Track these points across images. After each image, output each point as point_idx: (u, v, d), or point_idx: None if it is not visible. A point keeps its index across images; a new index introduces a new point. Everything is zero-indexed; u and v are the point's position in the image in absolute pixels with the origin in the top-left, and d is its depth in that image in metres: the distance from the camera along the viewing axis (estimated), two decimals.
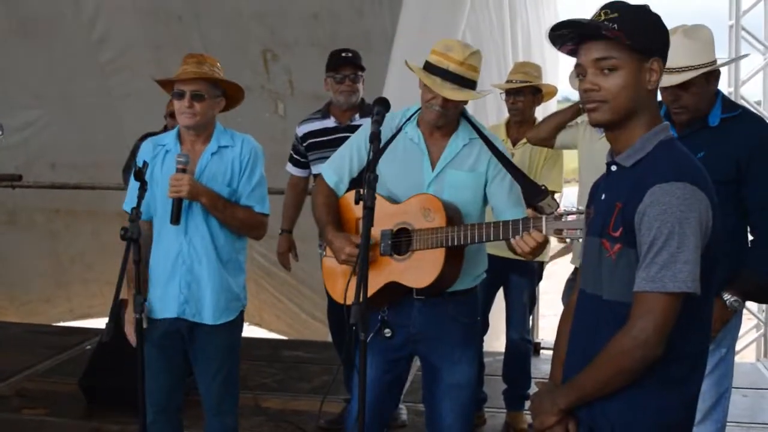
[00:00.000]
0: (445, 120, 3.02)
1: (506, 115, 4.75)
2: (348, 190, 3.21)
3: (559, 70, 7.80)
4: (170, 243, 3.31)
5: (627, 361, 1.98)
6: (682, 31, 3.03)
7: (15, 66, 7.27)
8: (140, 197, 3.08)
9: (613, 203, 2.08)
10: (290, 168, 4.65)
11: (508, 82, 4.61)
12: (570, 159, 4.66)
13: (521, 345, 4.70)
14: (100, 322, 7.22)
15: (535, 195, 2.85)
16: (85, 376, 5.05)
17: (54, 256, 8.43)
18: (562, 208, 2.66)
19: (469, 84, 2.97)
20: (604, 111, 2.06)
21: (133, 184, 3.36)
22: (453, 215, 2.94)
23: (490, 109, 5.69)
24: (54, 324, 8.16)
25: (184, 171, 3.18)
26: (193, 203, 3.27)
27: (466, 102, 3.05)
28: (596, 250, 2.13)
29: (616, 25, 2.00)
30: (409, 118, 3.14)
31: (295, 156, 4.60)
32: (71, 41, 7.02)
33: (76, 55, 7.10)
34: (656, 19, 2.08)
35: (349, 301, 2.50)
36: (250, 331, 8.44)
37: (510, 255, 4.44)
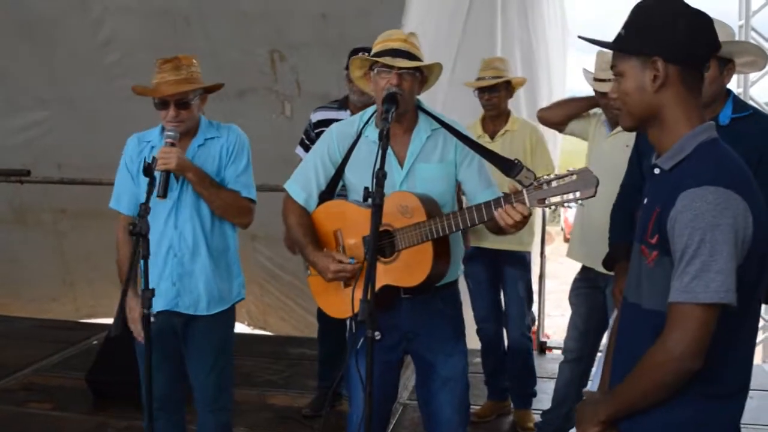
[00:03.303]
0: (404, 105, 2.95)
1: (478, 111, 4.78)
2: (318, 203, 3.16)
3: (566, 69, 7.83)
4: (160, 237, 3.32)
5: (661, 374, 1.92)
6: None
7: (20, 68, 7.28)
8: (149, 192, 3.05)
9: (652, 208, 2.01)
10: (300, 151, 4.69)
11: (479, 79, 4.63)
12: (567, 143, 4.68)
13: (522, 342, 4.71)
14: (106, 322, 7.26)
15: (510, 170, 2.82)
16: (92, 371, 5.09)
17: (60, 255, 8.43)
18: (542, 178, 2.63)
19: (417, 59, 2.97)
20: (623, 117, 2.12)
21: (121, 181, 3.42)
22: (431, 207, 2.92)
23: (462, 108, 5.71)
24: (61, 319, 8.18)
25: (173, 145, 3.19)
26: (182, 197, 3.30)
27: (418, 88, 3.02)
28: (637, 257, 2.09)
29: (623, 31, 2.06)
30: (367, 122, 3.11)
31: (306, 141, 4.66)
32: (76, 43, 7.01)
33: (82, 57, 7.07)
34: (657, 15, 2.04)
35: (356, 308, 2.51)
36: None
37: (501, 246, 4.53)
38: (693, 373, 1.88)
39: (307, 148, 4.61)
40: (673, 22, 1.99)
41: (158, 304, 3.29)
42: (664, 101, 2.01)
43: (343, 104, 4.58)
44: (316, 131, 4.55)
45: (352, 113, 4.39)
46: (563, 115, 4.24)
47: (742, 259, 1.87)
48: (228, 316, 3.48)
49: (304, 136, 4.70)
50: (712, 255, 1.83)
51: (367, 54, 3.42)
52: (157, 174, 3.10)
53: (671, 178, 1.98)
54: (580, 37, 2.14)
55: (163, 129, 3.40)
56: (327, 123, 4.43)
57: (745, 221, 1.86)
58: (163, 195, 3.15)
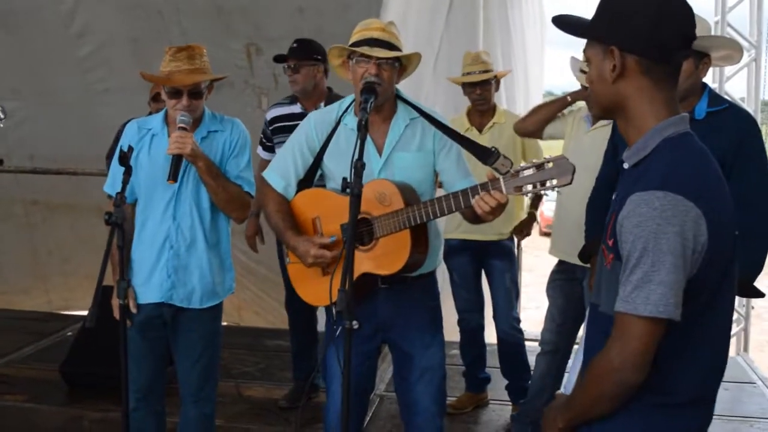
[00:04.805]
0: (383, 95, 2.95)
1: (461, 105, 4.80)
2: (297, 191, 3.17)
3: (544, 66, 7.83)
4: (157, 227, 3.31)
5: (602, 385, 1.84)
6: None
7: None
8: (125, 182, 3.06)
9: (614, 208, 1.89)
10: (260, 152, 4.72)
11: (467, 74, 4.64)
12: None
13: (512, 336, 4.70)
14: (80, 313, 7.18)
15: (487, 157, 2.82)
16: (66, 363, 5.04)
17: (31, 248, 8.35)
18: (518, 165, 2.65)
19: (396, 49, 2.98)
20: (591, 104, 2.03)
21: (115, 166, 3.36)
22: (409, 195, 2.93)
23: (445, 102, 5.72)
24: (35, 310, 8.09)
25: (185, 130, 3.20)
26: (183, 189, 3.29)
27: (397, 77, 3.03)
28: (601, 257, 1.97)
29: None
30: (345, 110, 3.12)
31: (264, 140, 4.69)
32: (50, 35, 6.93)
33: (55, 50, 7.01)
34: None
35: (334, 297, 2.51)
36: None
37: (484, 237, 4.55)
38: (635, 386, 1.80)
39: (266, 148, 4.69)
40: (635, 10, 1.85)
41: (151, 296, 3.32)
42: (625, 93, 1.89)
43: (293, 99, 4.61)
44: (271, 128, 4.60)
45: (303, 106, 4.47)
46: (538, 121, 4.24)
47: (696, 269, 1.76)
48: (218, 309, 3.47)
49: (262, 136, 4.72)
50: (654, 265, 1.72)
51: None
52: (135, 158, 3.11)
53: (632, 177, 1.87)
54: (553, 19, 2.03)
55: (165, 117, 3.40)
56: (281, 119, 4.53)
57: (695, 230, 1.73)
58: (174, 179, 3.16)
